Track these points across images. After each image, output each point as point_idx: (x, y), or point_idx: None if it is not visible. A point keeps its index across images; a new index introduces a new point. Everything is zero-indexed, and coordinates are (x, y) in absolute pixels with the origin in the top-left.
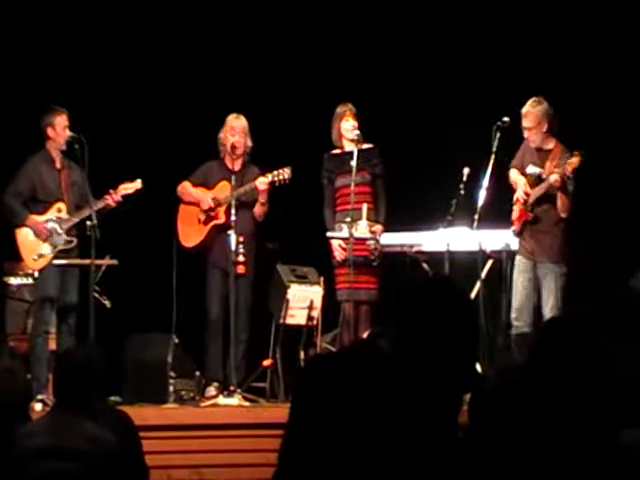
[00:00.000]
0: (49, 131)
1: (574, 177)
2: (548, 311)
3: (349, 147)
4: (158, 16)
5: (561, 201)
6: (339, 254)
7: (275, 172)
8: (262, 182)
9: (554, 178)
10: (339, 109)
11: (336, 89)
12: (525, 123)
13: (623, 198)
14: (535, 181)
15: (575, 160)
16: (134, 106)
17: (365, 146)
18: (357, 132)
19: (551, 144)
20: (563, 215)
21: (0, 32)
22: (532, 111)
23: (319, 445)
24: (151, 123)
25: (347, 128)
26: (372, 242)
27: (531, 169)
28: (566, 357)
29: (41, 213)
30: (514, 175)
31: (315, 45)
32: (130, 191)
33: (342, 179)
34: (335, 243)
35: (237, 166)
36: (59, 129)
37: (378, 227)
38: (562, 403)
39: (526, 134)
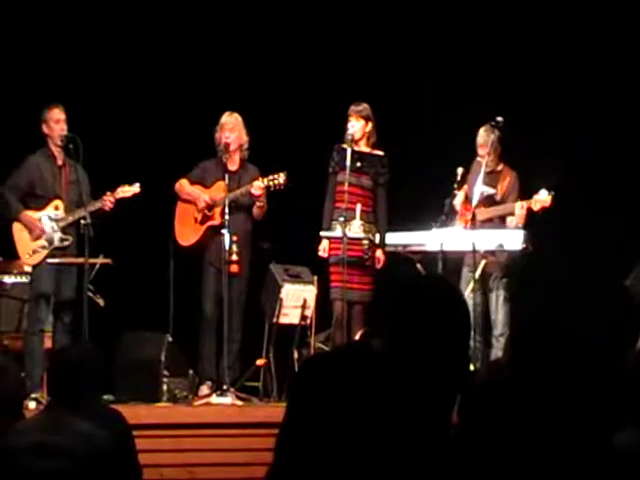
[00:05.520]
0: (44, 127)
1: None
2: None
3: (355, 146)
4: (156, 14)
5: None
6: (321, 253)
7: (270, 177)
8: (257, 187)
9: (521, 205)
10: None
11: (334, 88)
12: (482, 150)
13: (617, 198)
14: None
15: (547, 199)
16: (132, 105)
17: (375, 152)
18: (350, 132)
19: (500, 166)
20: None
21: (4, 34)
22: (485, 140)
23: (314, 445)
24: (148, 122)
25: (347, 128)
26: (366, 242)
27: (484, 188)
28: (542, 356)
29: (38, 209)
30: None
31: (311, 44)
32: (128, 194)
33: (342, 175)
34: (323, 242)
35: (234, 165)
36: (52, 124)
37: (379, 254)
38: (549, 403)
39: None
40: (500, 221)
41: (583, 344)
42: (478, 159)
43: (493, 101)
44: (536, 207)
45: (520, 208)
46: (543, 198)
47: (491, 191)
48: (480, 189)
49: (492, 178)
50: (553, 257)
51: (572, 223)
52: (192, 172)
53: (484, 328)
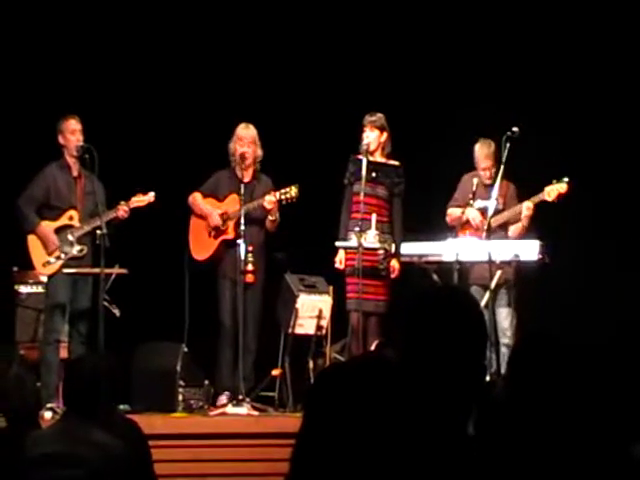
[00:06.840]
0: (60, 138)
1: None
2: None
3: (370, 156)
4: (171, 27)
5: (520, 228)
6: (338, 265)
7: (282, 190)
8: (269, 202)
9: (527, 206)
10: None
11: (348, 99)
12: (486, 163)
13: (628, 206)
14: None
15: (563, 186)
16: (147, 116)
17: (390, 162)
18: (365, 143)
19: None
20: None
21: (21, 45)
22: (490, 152)
23: (330, 455)
24: (163, 133)
25: (362, 138)
26: (381, 252)
27: (482, 203)
28: (542, 372)
29: (53, 219)
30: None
31: (324, 55)
32: (142, 204)
33: (357, 185)
34: (339, 254)
35: (247, 177)
36: (68, 134)
37: (395, 264)
38: (561, 415)
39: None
40: (504, 230)
41: (583, 357)
42: (478, 176)
43: (508, 110)
44: (551, 197)
45: (527, 209)
46: (559, 185)
47: (486, 203)
48: (494, 201)
49: (490, 190)
50: (563, 267)
51: (583, 230)
52: (205, 185)
53: (497, 339)
